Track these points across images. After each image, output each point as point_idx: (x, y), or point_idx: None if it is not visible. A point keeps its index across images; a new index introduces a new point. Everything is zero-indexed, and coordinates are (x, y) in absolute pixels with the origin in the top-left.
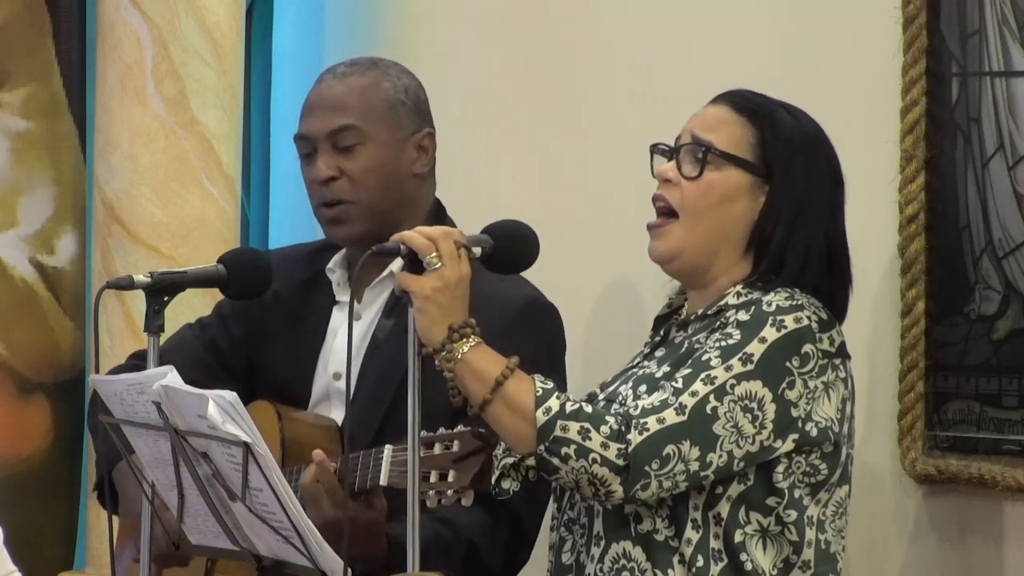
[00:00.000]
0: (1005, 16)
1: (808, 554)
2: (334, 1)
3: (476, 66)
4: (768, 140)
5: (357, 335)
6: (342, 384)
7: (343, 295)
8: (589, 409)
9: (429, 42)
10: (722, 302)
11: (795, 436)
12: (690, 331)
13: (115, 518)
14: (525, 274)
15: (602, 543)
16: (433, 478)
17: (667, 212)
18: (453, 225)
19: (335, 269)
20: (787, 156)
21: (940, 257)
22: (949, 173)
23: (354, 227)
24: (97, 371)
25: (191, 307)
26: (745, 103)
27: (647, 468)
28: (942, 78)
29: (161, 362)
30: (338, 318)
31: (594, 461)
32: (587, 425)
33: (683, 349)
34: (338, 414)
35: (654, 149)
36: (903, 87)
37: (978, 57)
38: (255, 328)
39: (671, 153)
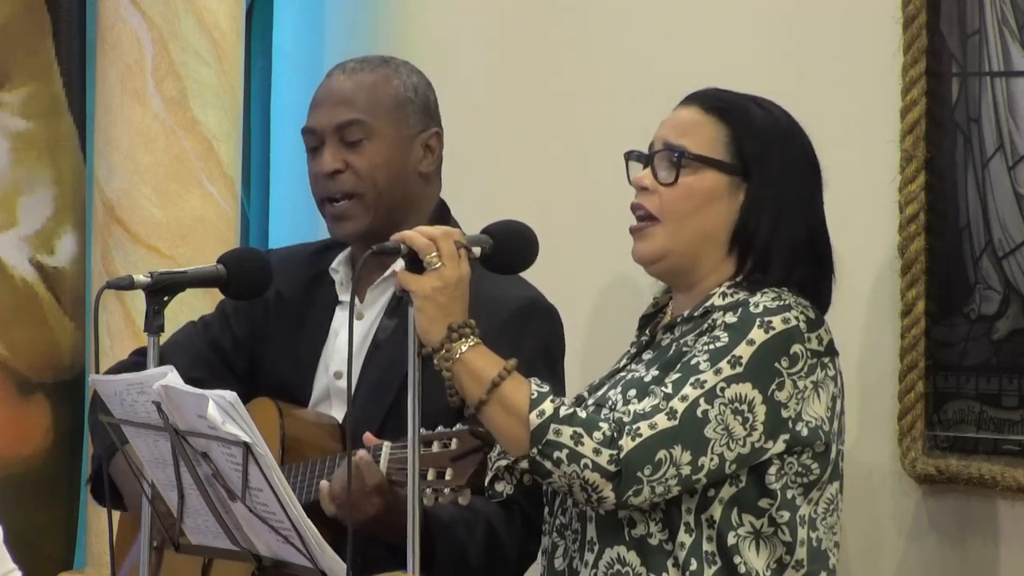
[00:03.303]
0: (1005, 16)
1: (801, 553)
2: (334, 1)
3: (476, 66)
4: (741, 137)
5: (359, 335)
6: (343, 383)
7: (345, 294)
8: (583, 414)
9: (429, 42)
10: (708, 303)
11: (786, 437)
12: (677, 333)
13: (115, 518)
14: (525, 274)
15: (596, 548)
16: (431, 476)
17: (647, 218)
18: (457, 226)
19: (338, 268)
20: (762, 152)
21: (940, 257)
22: (949, 173)
23: (358, 223)
24: (97, 371)
25: (191, 307)
26: (715, 102)
27: (639, 474)
28: (942, 78)
29: (163, 360)
30: (340, 318)
31: (586, 467)
32: (580, 430)
33: (671, 352)
34: (339, 413)
35: (629, 156)
36: (903, 87)
37: (978, 57)
38: (258, 327)
39: (646, 160)
